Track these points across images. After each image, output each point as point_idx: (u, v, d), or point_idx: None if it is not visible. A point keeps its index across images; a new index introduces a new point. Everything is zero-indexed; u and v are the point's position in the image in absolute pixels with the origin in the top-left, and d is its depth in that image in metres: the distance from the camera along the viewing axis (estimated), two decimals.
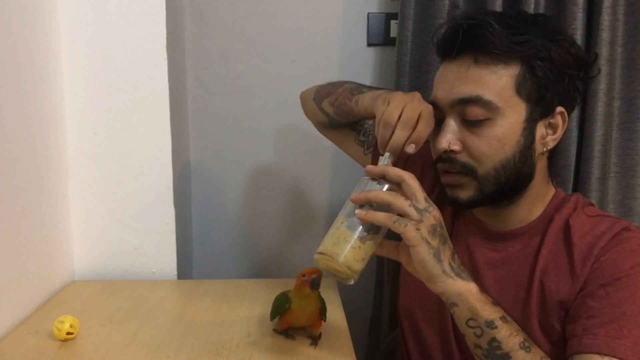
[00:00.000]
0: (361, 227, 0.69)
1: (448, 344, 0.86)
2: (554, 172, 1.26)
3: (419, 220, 0.67)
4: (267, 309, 1.00)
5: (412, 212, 0.67)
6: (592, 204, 0.83)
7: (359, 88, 0.94)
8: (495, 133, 0.75)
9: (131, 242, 1.18)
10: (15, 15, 0.94)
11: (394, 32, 1.37)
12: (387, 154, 0.75)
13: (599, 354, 0.66)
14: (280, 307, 0.85)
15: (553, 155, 0.83)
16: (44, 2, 1.04)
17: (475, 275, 0.83)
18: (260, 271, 1.49)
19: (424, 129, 0.76)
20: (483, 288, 0.76)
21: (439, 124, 0.79)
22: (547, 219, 0.81)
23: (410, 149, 0.76)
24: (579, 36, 1.19)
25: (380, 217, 0.67)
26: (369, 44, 1.40)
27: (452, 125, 0.77)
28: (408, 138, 0.75)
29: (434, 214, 0.69)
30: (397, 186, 0.70)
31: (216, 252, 1.48)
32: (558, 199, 0.82)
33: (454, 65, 0.78)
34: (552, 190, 0.84)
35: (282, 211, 1.47)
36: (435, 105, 0.79)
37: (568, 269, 0.75)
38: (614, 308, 0.69)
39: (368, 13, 1.38)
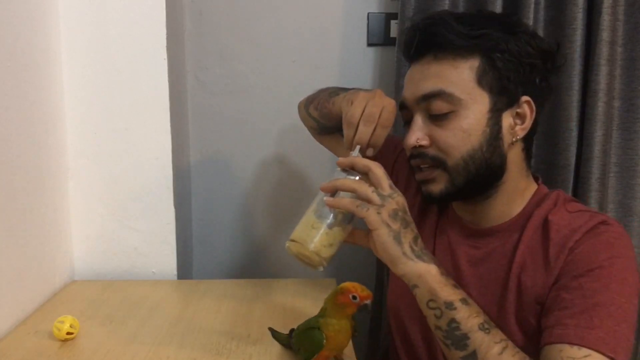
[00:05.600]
0: (331, 215, 0.73)
1: (431, 340, 0.86)
2: (554, 172, 1.26)
3: (381, 205, 0.70)
4: (267, 309, 0.99)
5: (374, 197, 0.70)
6: (575, 200, 0.82)
7: (337, 91, 0.97)
8: (460, 124, 0.77)
9: (131, 242, 1.18)
10: (15, 15, 0.94)
11: (394, 32, 1.37)
12: (357, 147, 0.79)
13: (569, 343, 0.66)
14: (317, 344, 0.72)
15: (529, 146, 0.83)
16: (44, 2, 1.04)
17: (457, 273, 0.84)
18: (261, 271, 1.49)
19: (380, 132, 0.80)
20: (464, 286, 0.78)
21: (408, 123, 0.82)
22: (526, 215, 0.81)
23: (369, 152, 0.81)
24: (579, 36, 1.19)
25: (344, 202, 0.71)
26: (369, 44, 1.40)
27: (419, 122, 0.80)
28: (372, 133, 0.79)
29: (397, 200, 0.71)
30: (365, 176, 0.73)
31: (216, 252, 1.48)
32: (539, 195, 0.82)
33: (418, 65, 0.81)
34: (533, 186, 0.84)
35: (283, 211, 1.47)
36: (404, 106, 0.82)
37: (543, 263, 0.75)
38: (586, 299, 0.68)
39: (368, 13, 1.38)
